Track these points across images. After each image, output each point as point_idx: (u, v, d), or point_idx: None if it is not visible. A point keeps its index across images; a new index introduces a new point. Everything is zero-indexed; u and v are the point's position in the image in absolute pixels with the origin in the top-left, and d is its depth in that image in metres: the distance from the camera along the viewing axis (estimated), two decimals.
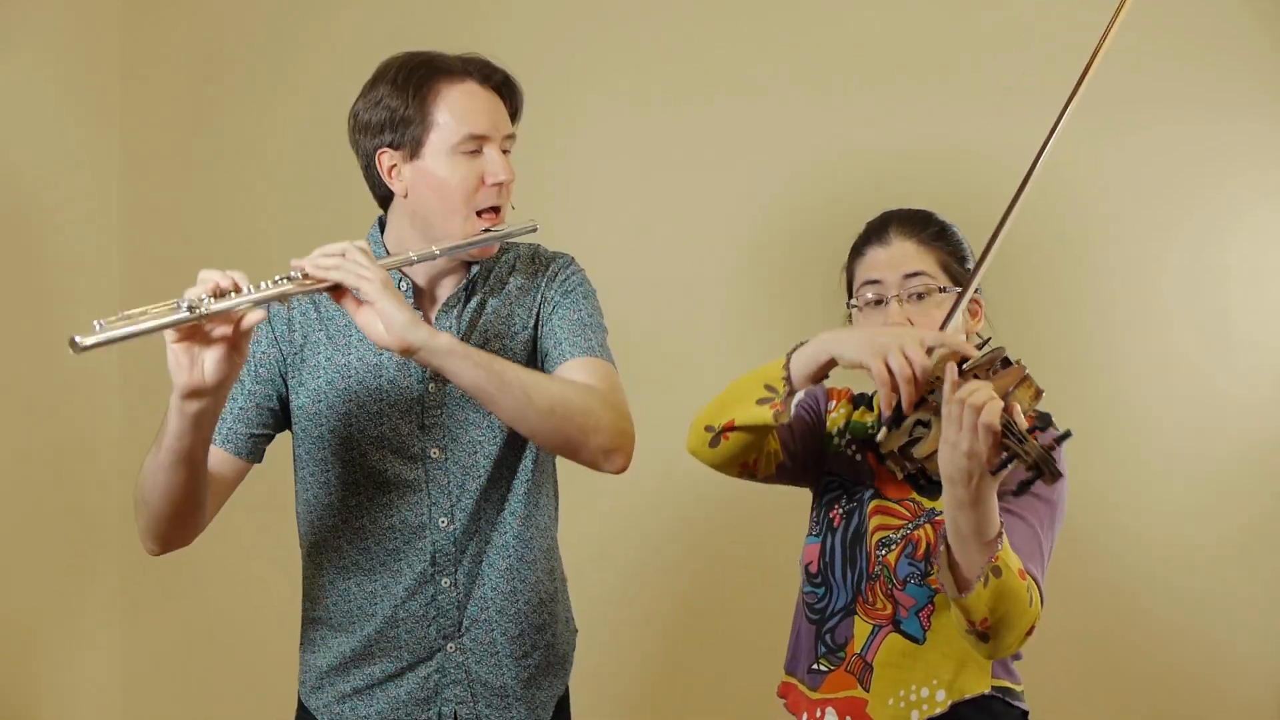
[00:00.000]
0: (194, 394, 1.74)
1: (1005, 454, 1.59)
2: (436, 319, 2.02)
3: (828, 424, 2.03)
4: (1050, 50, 2.80)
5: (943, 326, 1.85)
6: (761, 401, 1.84)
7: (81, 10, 3.09)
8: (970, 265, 1.97)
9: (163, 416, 1.80)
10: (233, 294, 1.71)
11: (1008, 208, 1.90)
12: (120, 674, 3.19)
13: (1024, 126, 2.79)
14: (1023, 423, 1.61)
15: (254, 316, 1.72)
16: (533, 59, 3.03)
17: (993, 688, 1.86)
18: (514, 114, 2.04)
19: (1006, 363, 1.82)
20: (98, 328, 1.63)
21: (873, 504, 1.92)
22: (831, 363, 1.82)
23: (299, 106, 3.11)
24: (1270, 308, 2.75)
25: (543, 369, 2.03)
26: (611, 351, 2.06)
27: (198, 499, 1.90)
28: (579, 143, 3.01)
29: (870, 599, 1.89)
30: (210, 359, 1.72)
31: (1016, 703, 1.89)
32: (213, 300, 1.69)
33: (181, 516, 1.90)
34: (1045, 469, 1.58)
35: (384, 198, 2.05)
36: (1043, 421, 1.61)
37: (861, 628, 1.90)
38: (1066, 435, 1.60)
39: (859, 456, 1.97)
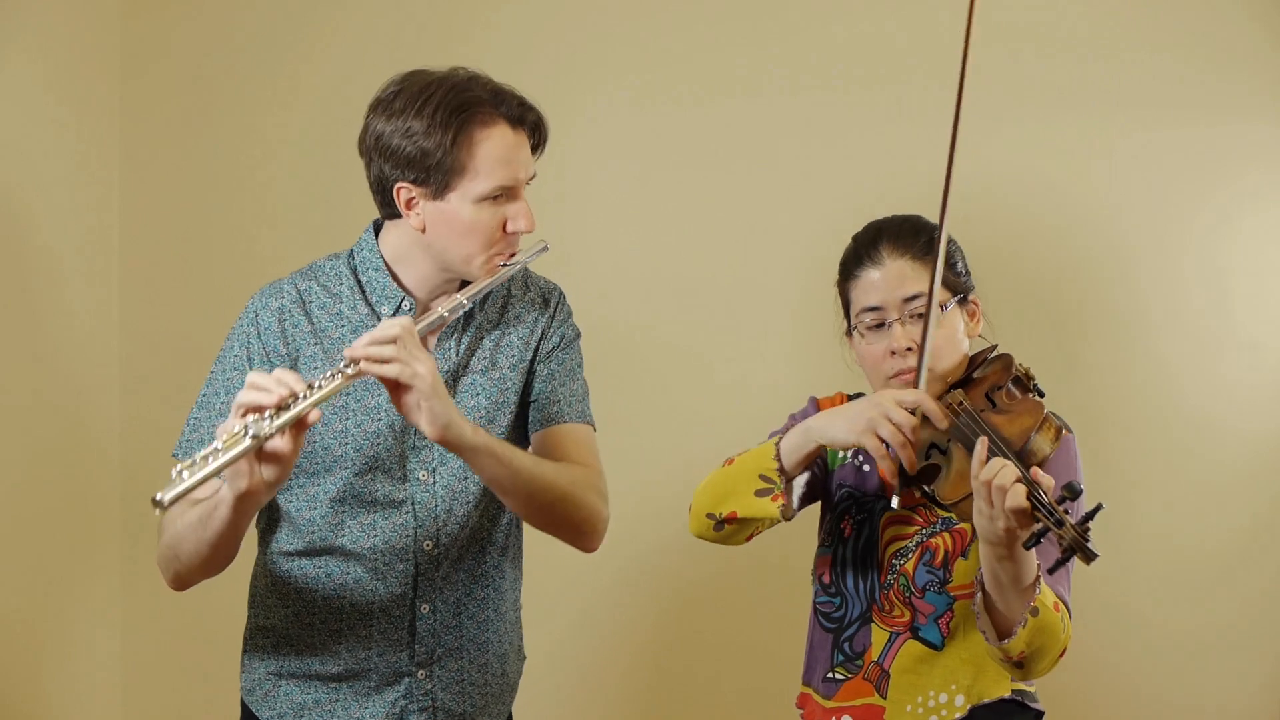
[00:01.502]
0: (252, 495, 1.74)
1: (1039, 526, 1.59)
2: (438, 345, 2.00)
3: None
4: (1050, 52, 2.80)
5: (920, 348, 1.84)
6: (760, 493, 1.85)
7: (81, 10, 3.08)
8: (962, 269, 1.97)
9: (211, 499, 1.81)
10: (291, 403, 1.70)
11: (941, 211, 1.87)
12: (120, 674, 3.19)
13: (1023, 127, 2.81)
14: (1047, 482, 1.60)
15: (314, 416, 1.72)
16: (534, 59, 3.03)
17: (1011, 691, 1.87)
18: (536, 148, 2.01)
19: (1019, 382, 1.80)
20: (176, 476, 1.63)
21: (885, 515, 1.92)
22: (822, 449, 1.85)
23: (299, 107, 3.11)
24: (1272, 308, 2.76)
25: (532, 414, 2.04)
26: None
27: (233, 554, 1.92)
28: (580, 144, 3.00)
29: (886, 607, 1.89)
30: (269, 464, 1.72)
31: (1032, 704, 1.90)
32: (275, 418, 1.68)
33: (215, 569, 1.94)
34: (1080, 551, 1.57)
35: (390, 213, 2.03)
36: (1071, 492, 1.59)
37: (879, 635, 1.90)
38: (1097, 510, 1.58)
39: (866, 467, 1.97)
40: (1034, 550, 1.65)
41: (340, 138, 3.06)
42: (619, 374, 2.95)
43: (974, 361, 1.88)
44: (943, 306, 1.89)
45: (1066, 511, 1.59)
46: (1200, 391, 2.77)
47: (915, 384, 1.82)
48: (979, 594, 1.72)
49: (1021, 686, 1.88)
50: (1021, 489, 1.58)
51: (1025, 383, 1.82)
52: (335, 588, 2.00)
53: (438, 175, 1.91)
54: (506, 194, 1.94)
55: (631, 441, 2.91)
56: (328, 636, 2.00)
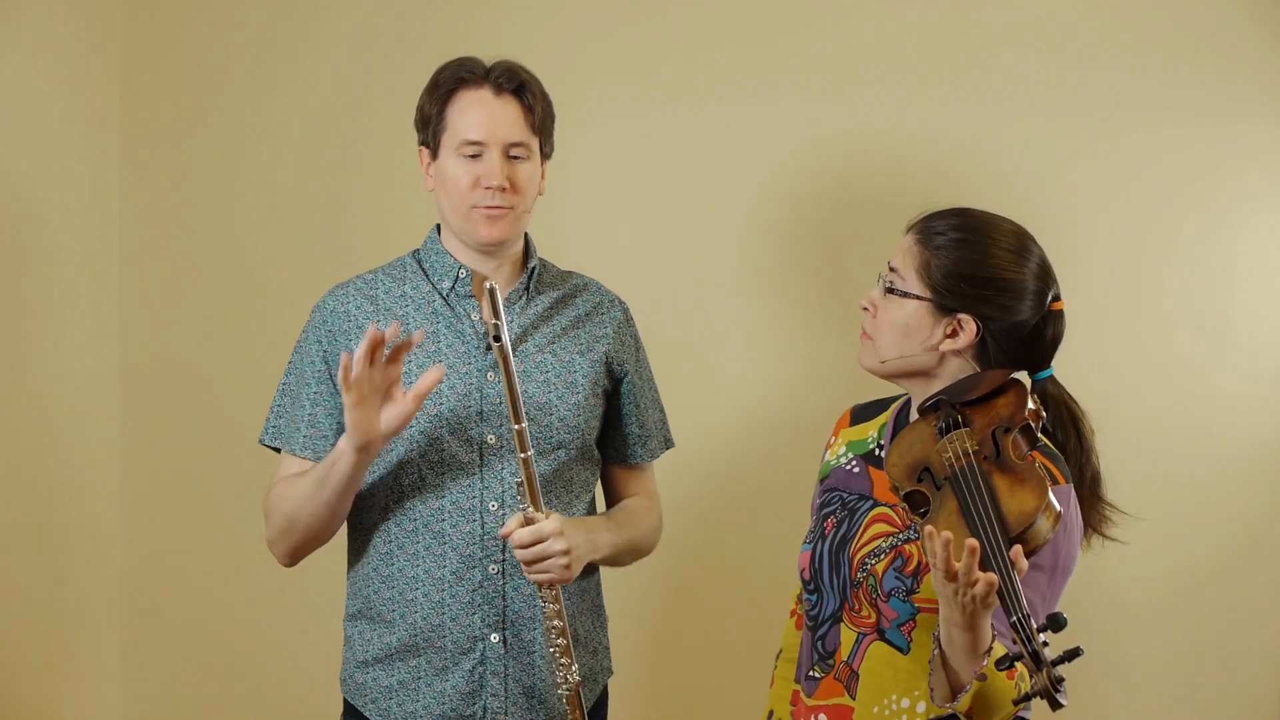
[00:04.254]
0: (372, 446, 1.98)
1: (1016, 649, 1.54)
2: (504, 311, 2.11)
3: (831, 459, 2.05)
4: (1050, 52, 2.80)
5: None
6: None
7: (81, 10, 3.08)
8: (967, 285, 1.85)
9: (329, 463, 2.01)
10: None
11: None
12: (120, 674, 3.19)
13: (1024, 127, 2.81)
14: (1021, 565, 1.56)
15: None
16: (534, 59, 3.02)
17: None
18: (538, 125, 2.14)
19: (1027, 431, 1.68)
20: None
21: (872, 512, 1.92)
22: None
23: (300, 107, 3.11)
24: (1272, 309, 2.75)
25: (628, 447, 2.29)
26: None
27: (344, 517, 2.12)
28: (580, 144, 3.00)
29: (856, 606, 1.89)
30: (389, 414, 1.97)
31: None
32: None
33: (328, 532, 2.12)
34: (1047, 699, 1.50)
35: None
36: (1055, 625, 1.52)
37: (848, 635, 1.90)
38: (1075, 654, 1.52)
39: (855, 469, 1.97)
40: (989, 625, 1.63)
41: (341, 137, 3.07)
42: None
43: (978, 381, 1.81)
44: (904, 293, 1.87)
45: (1045, 644, 1.51)
46: (1200, 392, 2.77)
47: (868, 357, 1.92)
48: (936, 651, 1.71)
49: None
50: (992, 601, 1.57)
51: (1033, 432, 1.70)
52: (406, 559, 2.10)
53: (433, 133, 2.14)
54: (479, 149, 2.10)
55: None
56: (404, 608, 2.09)
